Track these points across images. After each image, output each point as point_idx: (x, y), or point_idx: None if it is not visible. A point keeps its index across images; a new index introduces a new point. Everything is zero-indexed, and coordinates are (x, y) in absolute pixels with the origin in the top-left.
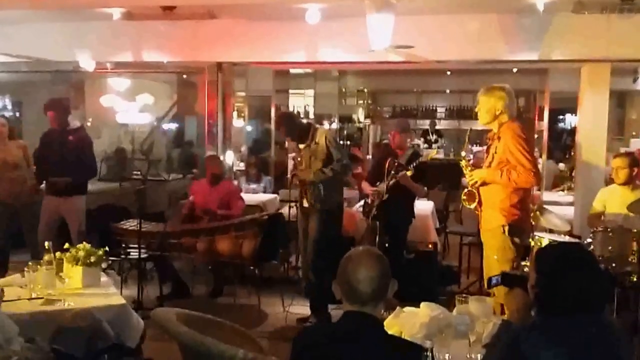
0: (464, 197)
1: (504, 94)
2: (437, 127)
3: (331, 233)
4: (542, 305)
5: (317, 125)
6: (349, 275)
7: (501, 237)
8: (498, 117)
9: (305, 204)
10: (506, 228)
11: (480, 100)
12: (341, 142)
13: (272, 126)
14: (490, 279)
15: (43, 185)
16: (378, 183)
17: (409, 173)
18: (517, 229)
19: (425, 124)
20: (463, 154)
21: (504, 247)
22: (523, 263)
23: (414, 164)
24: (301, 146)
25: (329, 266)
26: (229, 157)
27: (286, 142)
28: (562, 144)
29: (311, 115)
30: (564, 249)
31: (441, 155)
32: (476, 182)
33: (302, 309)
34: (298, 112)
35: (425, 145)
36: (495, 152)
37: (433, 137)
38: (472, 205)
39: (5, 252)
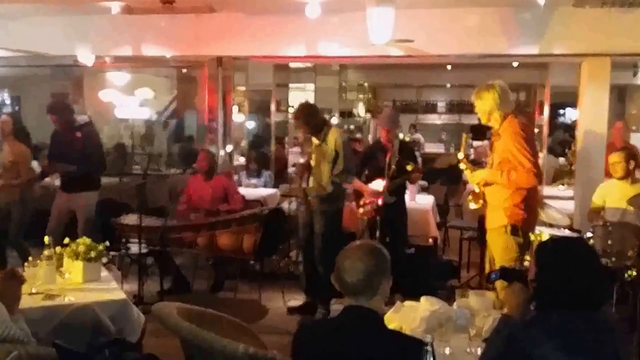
0: (470, 198)
1: (492, 93)
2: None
3: (337, 226)
4: (542, 299)
5: (332, 124)
6: (338, 265)
7: (504, 236)
8: (492, 115)
9: (311, 198)
10: (509, 228)
11: (474, 103)
12: None
13: (272, 121)
14: (489, 274)
15: (49, 180)
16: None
17: (409, 167)
18: (521, 229)
19: (427, 118)
20: (460, 156)
21: (506, 246)
22: (522, 257)
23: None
24: (316, 142)
25: (333, 260)
26: (228, 151)
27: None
28: (562, 138)
29: None
30: (564, 244)
31: (442, 150)
32: (479, 182)
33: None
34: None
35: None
36: (494, 152)
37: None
38: (478, 205)
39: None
